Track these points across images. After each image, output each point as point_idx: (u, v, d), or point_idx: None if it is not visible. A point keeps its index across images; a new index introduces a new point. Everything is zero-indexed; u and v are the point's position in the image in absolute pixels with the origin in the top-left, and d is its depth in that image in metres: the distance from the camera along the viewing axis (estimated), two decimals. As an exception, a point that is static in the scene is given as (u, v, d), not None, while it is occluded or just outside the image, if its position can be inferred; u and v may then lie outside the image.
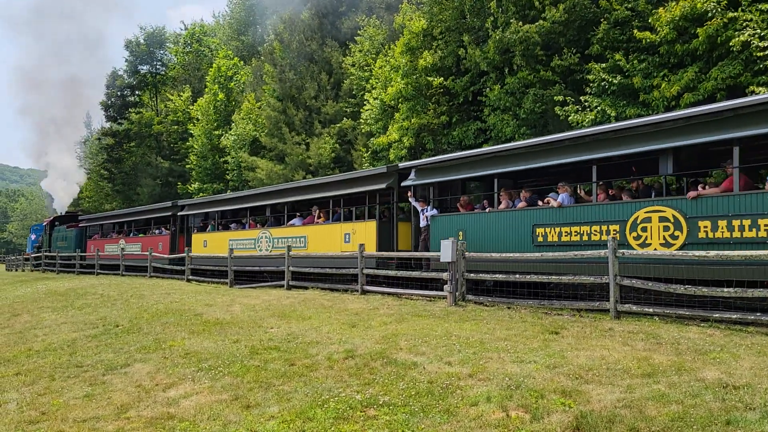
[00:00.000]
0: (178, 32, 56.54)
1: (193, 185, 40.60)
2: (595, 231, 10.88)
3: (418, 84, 21.71)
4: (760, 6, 13.58)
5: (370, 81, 26.76)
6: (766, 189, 9.02)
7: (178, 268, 21.73)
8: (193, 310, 12.50)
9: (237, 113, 37.19)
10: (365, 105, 26.36)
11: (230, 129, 36.97)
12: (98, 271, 28.31)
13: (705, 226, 9.42)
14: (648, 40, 15.07)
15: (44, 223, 42.57)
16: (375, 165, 24.26)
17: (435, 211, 14.64)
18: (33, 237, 44.53)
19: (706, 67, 14.45)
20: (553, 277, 10.54)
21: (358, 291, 14.24)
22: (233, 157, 35.80)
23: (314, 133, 30.49)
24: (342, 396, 5.99)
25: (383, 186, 15.48)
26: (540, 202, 12.23)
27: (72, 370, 8.05)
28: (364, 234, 15.96)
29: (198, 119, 41.78)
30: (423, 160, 15.69)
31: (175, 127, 47.66)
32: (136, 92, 54.96)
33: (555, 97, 16.90)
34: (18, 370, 8.30)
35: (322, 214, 18.27)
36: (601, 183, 11.40)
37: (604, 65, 16.06)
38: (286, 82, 32.23)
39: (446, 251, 11.57)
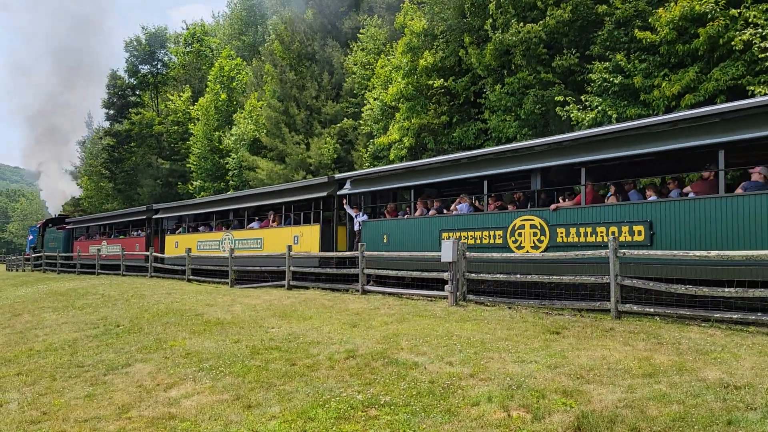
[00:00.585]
0: (178, 32, 56.59)
1: (193, 185, 40.61)
2: (486, 235, 13.09)
3: (419, 84, 21.71)
4: (761, 6, 13.56)
5: (372, 80, 26.76)
6: (606, 203, 11.37)
7: (157, 265, 24.11)
8: (193, 310, 12.50)
9: (239, 112, 37.21)
10: (366, 104, 26.36)
11: (231, 129, 36.96)
12: (99, 271, 28.45)
13: (561, 232, 11.64)
14: (648, 40, 15.06)
15: (38, 225, 44.58)
16: (375, 165, 24.28)
17: (365, 217, 16.71)
18: (30, 238, 46.30)
19: (706, 67, 14.44)
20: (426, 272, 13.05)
21: (359, 291, 14.25)
22: (234, 158, 35.81)
23: (315, 134, 30.50)
24: (343, 396, 5.99)
25: (324, 194, 17.49)
26: (445, 211, 14.60)
27: (73, 370, 8.05)
28: (309, 237, 17.87)
29: (198, 119, 41.78)
30: (357, 171, 18.01)
31: (176, 127, 47.67)
32: (137, 92, 54.97)
33: (556, 98, 16.90)
34: (19, 370, 8.31)
35: (276, 219, 20.06)
36: (492, 195, 13.57)
37: (606, 65, 16.06)
38: (286, 83, 32.24)
39: (447, 251, 11.57)
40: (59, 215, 44.57)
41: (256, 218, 21.59)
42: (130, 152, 50.71)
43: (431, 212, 14.72)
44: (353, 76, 30.19)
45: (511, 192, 14.22)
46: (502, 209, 13.27)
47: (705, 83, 14.05)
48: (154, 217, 27.78)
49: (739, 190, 9.52)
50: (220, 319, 11.10)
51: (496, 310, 10.52)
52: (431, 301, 12.27)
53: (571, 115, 16.08)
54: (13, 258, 52.37)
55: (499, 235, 12.71)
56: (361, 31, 30.51)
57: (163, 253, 25.11)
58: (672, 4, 14.65)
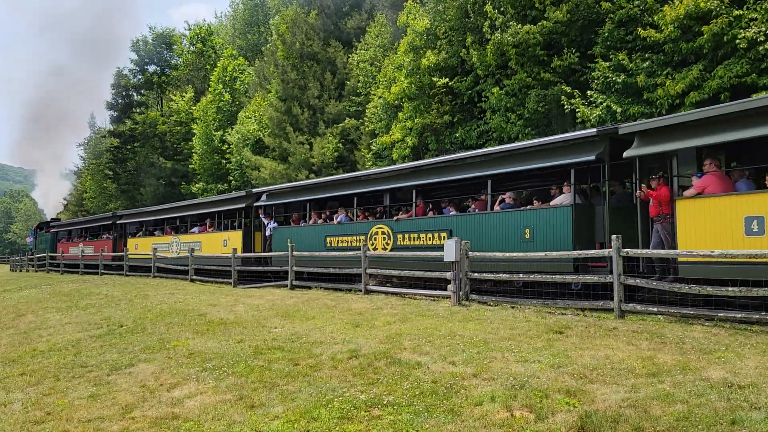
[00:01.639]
0: (181, 32, 56.63)
1: (196, 185, 40.66)
2: (354, 239, 16.78)
3: (422, 83, 21.69)
4: (765, 5, 13.52)
5: (377, 76, 26.71)
6: (427, 216, 15.40)
7: (117, 263, 28.74)
8: (197, 310, 12.51)
9: (243, 111, 37.24)
10: (371, 101, 26.30)
11: (234, 127, 36.95)
12: (102, 271, 28.57)
13: (401, 237, 15.47)
14: (652, 39, 15.03)
15: (33, 228, 49.31)
16: (378, 165, 24.32)
17: (275, 224, 20.49)
18: (29, 240, 50.09)
19: (710, 65, 14.41)
20: (338, 269, 15.76)
21: (361, 291, 14.25)
22: (236, 158, 35.84)
23: (318, 133, 30.51)
24: (346, 396, 5.99)
25: (244, 205, 21.32)
26: (329, 221, 18.60)
27: (77, 370, 8.07)
28: (235, 240, 21.68)
29: (200, 119, 41.82)
30: (271, 186, 22.60)
31: (179, 127, 47.73)
32: (141, 92, 55.05)
33: (564, 88, 16.85)
34: (23, 371, 8.33)
35: (212, 225, 24.14)
36: (361, 208, 17.74)
37: (608, 64, 16.03)
38: (288, 83, 32.26)
39: (450, 251, 11.57)
40: (52, 219, 48.25)
41: (198, 224, 25.38)
42: (134, 152, 50.79)
43: (320, 221, 18.98)
44: (356, 75, 30.17)
45: (373, 206, 18.02)
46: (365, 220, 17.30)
47: (709, 81, 14.01)
48: (118, 222, 31.95)
49: (497, 208, 13.54)
50: (223, 319, 11.11)
51: (498, 309, 10.51)
52: (434, 300, 12.26)
53: (578, 111, 16.01)
54: (16, 258, 52.52)
55: (362, 239, 16.39)
56: (367, 29, 30.49)
57: (123, 253, 28.45)
58: (677, 2, 14.61)
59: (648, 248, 10.57)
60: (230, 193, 24.64)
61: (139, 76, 54.44)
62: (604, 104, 15.49)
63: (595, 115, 15.47)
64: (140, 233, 30.32)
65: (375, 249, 15.80)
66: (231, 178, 37.36)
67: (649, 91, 15.23)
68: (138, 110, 51.96)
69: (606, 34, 16.33)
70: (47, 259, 37.11)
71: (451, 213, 14.88)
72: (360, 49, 30.45)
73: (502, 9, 18.59)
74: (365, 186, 17.00)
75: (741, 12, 13.61)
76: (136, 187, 50.28)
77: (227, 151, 37.34)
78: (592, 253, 10.34)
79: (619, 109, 15.21)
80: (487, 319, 9.46)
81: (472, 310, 10.58)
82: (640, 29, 15.39)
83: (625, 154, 10.69)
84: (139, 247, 28.50)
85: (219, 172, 39.07)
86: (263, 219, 20.88)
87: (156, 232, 29.04)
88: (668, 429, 4.60)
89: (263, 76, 37.05)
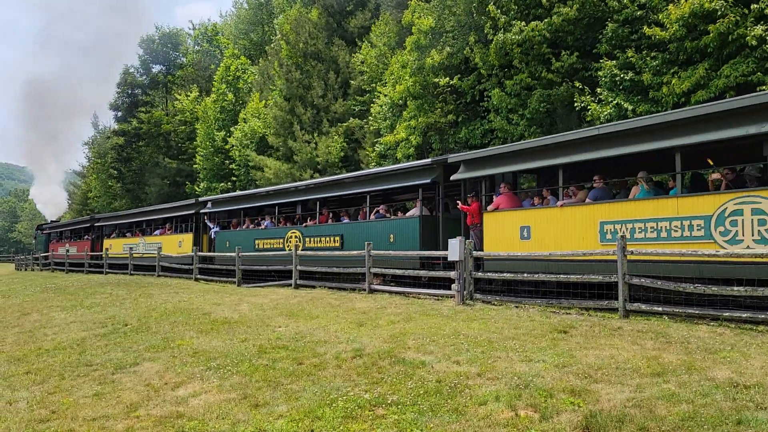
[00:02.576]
0: (187, 31, 56.71)
1: (200, 185, 40.72)
2: (275, 242, 20.31)
3: (426, 82, 21.66)
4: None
5: (385, 74, 26.64)
6: (328, 223, 18.60)
7: (95, 262, 32.46)
8: (201, 309, 12.53)
9: (242, 113, 37.27)
10: (378, 98, 26.24)
11: (236, 127, 36.92)
12: (107, 270, 28.86)
13: (309, 240, 18.78)
14: (657, 37, 14.98)
15: (35, 228, 53.80)
16: (382, 164, 24.33)
17: (218, 228, 24.12)
18: (35, 240, 53.52)
19: (716, 64, 14.35)
20: (267, 266, 18.89)
21: (365, 290, 14.25)
22: (239, 157, 35.86)
23: (322, 132, 30.50)
24: (350, 395, 5.98)
25: (193, 212, 25.53)
26: (259, 226, 21.80)
27: (81, 368, 8.09)
28: (188, 242, 25.35)
29: (203, 119, 41.87)
30: (215, 196, 26.08)
31: (183, 127, 47.78)
32: (147, 91, 55.12)
33: (576, 84, 16.78)
34: (28, 369, 8.35)
35: (170, 228, 27.92)
36: (282, 215, 21.18)
37: (614, 62, 15.95)
38: (292, 82, 32.25)
39: (454, 250, 11.56)
40: (52, 221, 51.68)
41: (160, 227, 29.22)
42: (138, 152, 50.87)
43: (251, 226, 22.34)
44: (360, 75, 30.13)
45: (293, 214, 21.14)
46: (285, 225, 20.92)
47: (715, 80, 13.96)
48: (95, 224, 36.00)
49: (372, 217, 16.90)
50: (228, 318, 11.13)
51: (503, 309, 10.50)
52: (438, 300, 12.26)
53: (589, 108, 15.89)
54: (21, 257, 52.73)
55: (280, 241, 19.98)
56: (372, 28, 30.45)
57: (99, 253, 32.76)
58: (682, 1, 14.56)
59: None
60: (183, 201, 28.72)
61: (145, 76, 54.53)
62: (614, 102, 15.41)
63: (606, 113, 15.37)
64: (114, 234, 33.87)
65: (288, 249, 18.79)
66: (234, 178, 37.38)
67: (655, 89, 15.18)
68: (143, 109, 52.02)
69: (610, 34, 16.27)
70: (40, 259, 40.70)
71: (344, 221, 18.45)
72: (364, 48, 30.39)
73: (504, 8, 18.54)
74: (285, 197, 20.54)
75: (749, 9, 13.54)
76: (140, 187, 50.38)
77: (230, 151, 37.35)
78: (435, 253, 13.68)
79: (629, 107, 15.12)
80: (491, 318, 9.45)
81: (476, 309, 10.57)
82: (645, 28, 15.34)
83: (451, 177, 14.01)
84: (113, 246, 32.12)
85: (222, 172, 39.10)
86: (209, 224, 24.76)
87: (127, 234, 32.53)
88: (673, 429, 4.58)
89: (267, 76, 37.05)
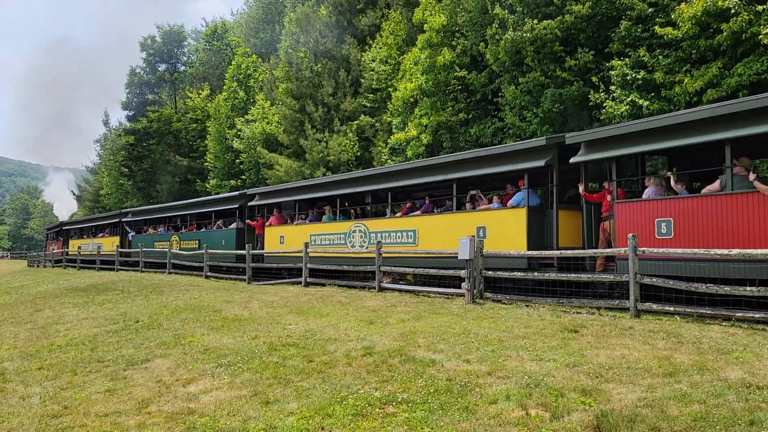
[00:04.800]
0: (198, 29, 56.89)
1: (210, 183, 40.87)
2: (165, 244, 26.97)
3: (437, 80, 21.61)
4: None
5: (401, 67, 26.55)
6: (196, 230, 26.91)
7: (67, 257, 38.80)
8: (211, 307, 12.59)
9: (246, 115, 37.39)
10: (395, 92, 26.18)
11: (245, 125, 36.95)
12: (118, 267, 29.25)
13: (183, 243, 26.26)
14: (670, 36, 14.87)
15: (45, 228, 65.44)
16: (394, 161, 24.33)
17: (134, 233, 32.68)
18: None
19: (729, 63, 14.24)
20: (189, 262, 24.30)
21: (375, 288, 14.26)
22: (247, 156, 35.94)
23: (333, 130, 30.50)
24: (360, 393, 5.99)
25: (117, 220, 34.95)
26: (155, 231, 30.62)
27: (93, 365, 8.14)
28: (116, 243, 33.57)
29: (214, 117, 42.01)
30: (136, 208, 38.10)
31: (194, 125, 47.94)
32: (155, 90, 55.35)
33: (593, 79, 16.66)
34: (41, 365, 8.41)
35: (108, 232, 37.02)
36: (192, 224, 27.66)
37: (626, 61, 15.85)
38: (303, 80, 32.27)
39: (464, 249, 11.54)
40: (63, 221, 57.24)
41: (103, 231, 38.33)
42: (149, 150, 51.11)
43: (152, 231, 30.80)
44: (371, 72, 30.08)
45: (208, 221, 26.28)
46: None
47: (728, 78, 13.85)
48: (63, 228, 46.21)
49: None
50: (238, 316, 11.17)
51: (513, 308, 10.48)
52: (448, 298, 12.25)
53: (605, 105, 15.75)
54: (34, 254, 53.14)
55: (196, 243, 25.57)
56: (383, 26, 30.39)
57: (67, 251, 40.02)
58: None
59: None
60: (109, 212, 40.95)
61: (151, 75, 54.75)
62: (629, 99, 15.28)
63: (621, 110, 15.23)
64: (75, 236, 43.04)
65: (172, 248, 25.71)
66: (245, 176, 37.48)
67: (667, 88, 15.08)
68: (152, 108, 52.24)
69: (623, 33, 16.16)
70: (43, 256, 46.78)
71: (217, 228, 24.97)
72: (375, 46, 30.34)
73: (513, 8, 18.45)
74: (171, 212, 29.45)
75: (763, 7, 13.41)
76: (151, 185, 50.63)
77: (240, 153, 37.44)
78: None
79: (645, 104, 14.98)
80: (502, 317, 9.43)
81: (486, 308, 10.56)
82: (657, 27, 15.23)
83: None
84: (74, 246, 40.76)
85: (233, 170, 39.23)
86: (128, 229, 33.50)
87: (84, 236, 41.11)
88: (685, 429, 4.56)
89: (275, 74, 37.09)
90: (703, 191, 10.14)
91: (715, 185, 9.85)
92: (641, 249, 9.53)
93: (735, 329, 7.86)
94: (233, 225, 23.43)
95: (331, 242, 18.08)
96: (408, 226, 15.65)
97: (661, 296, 10.12)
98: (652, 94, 15.41)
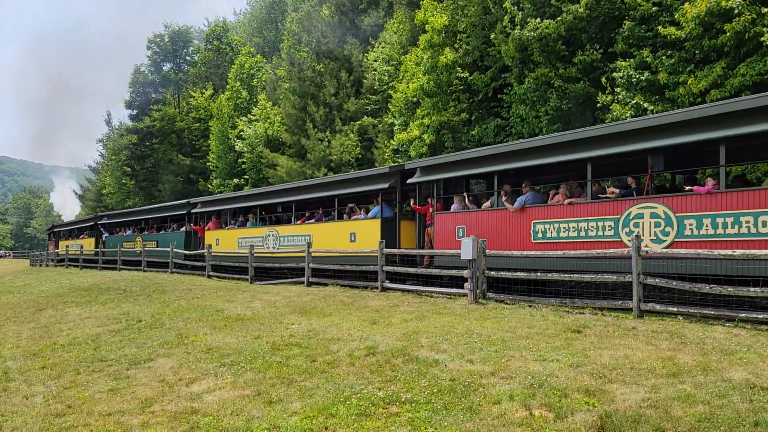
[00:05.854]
0: (201, 28, 56.90)
1: (213, 182, 40.90)
2: (132, 244, 31.03)
3: (440, 80, 21.60)
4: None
5: (401, 68, 26.53)
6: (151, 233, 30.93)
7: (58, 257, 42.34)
8: (214, 306, 12.59)
9: (251, 113, 37.39)
10: (396, 93, 26.16)
11: (247, 125, 36.97)
12: (120, 267, 29.26)
13: (146, 244, 29.58)
14: (673, 36, 14.85)
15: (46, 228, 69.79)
16: (397, 162, 24.33)
17: (107, 234, 35.94)
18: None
19: (732, 63, 14.22)
20: (152, 258, 27.34)
21: (378, 288, 14.26)
22: (249, 155, 35.95)
23: (335, 131, 30.50)
24: (364, 393, 5.99)
25: (93, 223, 39.02)
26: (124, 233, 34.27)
27: (96, 364, 8.15)
28: (90, 243, 38.19)
29: (217, 117, 42.03)
30: (111, 212, 42.45)
31: (197, 124, 47.98)
32: (159, 89, 55.39)
33: (601, 79, 16.62)
34: (44, 364, 8.43)
35: (87, 234, 40.44)
36: (153, 227, 31.62)
37: (631, 62, 15.83)
38: (305, 80, 32.28)
39: (467, 249, 11.53)
40: (53, 224, 60.73)
41: (82, 233, 41.63)
42: (152, 149, 51.15)
43: (122, 233, 34.07)
44: (374, 72, 30.08)
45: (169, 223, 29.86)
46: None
47: (731, 79, 13.83)
48: (54, 230, 51.01)
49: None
50: (240, 315, 11.18)
51: (516, 308, 10.47)
52: (451, 298, 12.24)
53: (612, 108, 15.72)
54: (36, 253, 53.23)
55: (155, 243, 28.28)
56: (385, 25, 30.38)
57: (57, 251, 44.33)
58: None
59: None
60: (86, 216, 47.25)
61: (156, 74, 54.81)
62: (633, 101, 15.27)
63: (627, 114, 15.22)
64: (64, 237, 46.12)
65: (134, 248, 29.90)
66: (247, 176, 37.50)
67: (671, 89, 15.06)
68: (156, 107, 52.27)
69: (626, 33, 16.13)
70: (46, 256, 49.04)
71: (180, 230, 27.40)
72: (377, 47, 30.33)
73: (520, 5, 18.44)
74: (137, 216, 33.33)
75: (765, 9, 13.40)
76: (154, 184, 50.67)
77: (241, 155, 37.46)
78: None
79: (650, 107, 14.97)
80: (505, 317, 9.42)
81: (489, 308, 10.55)
82: (660, 27, 15.22)
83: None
84: (63, 246, 43.89)
85: (235, 169, 39.25)
86: (102, 230, 36.73)
87: (70, 237, 44.32)
88: (689, 430, 4.55)
89: (277, 76, 37.10)
90: (482, 207, 14.02)
91: (488, 204, 13.89)
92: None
93: (738, 330, 7.84)
94: (183, 228, 27.26)
95: (254, 244, 21.25)
96: (306, 231, 19.48)
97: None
98: (656, 96, 15.39)
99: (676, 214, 10.02)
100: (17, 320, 13.06)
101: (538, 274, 11.16)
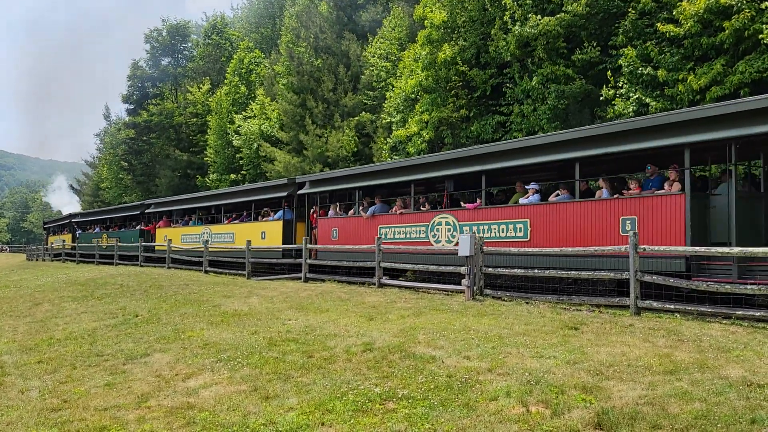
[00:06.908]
0: (198, 23, 56.67)
1: (211, 177, 40.82)
2: (103, 240, 35.06)
3: (438, 76, 21.54)
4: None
5: (399, 64, 26.46)
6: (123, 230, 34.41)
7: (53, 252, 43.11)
8: (211, 301, 12.58)
9: (249, 108, 37.30)
10: (392, 91, 26.09)
11: (245, 121, 36.87)
12: (117, 261, 29.23)
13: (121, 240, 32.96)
14: (672, 33, 14.82)
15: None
16: (395, 158, 24.29)
17: (81, 231, 40.20)
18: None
19: (731, 60, 14.20)
20: (103, 252, 32.40)
21: (375, 284, 14.25)
22: (246, 151, 35.89)
23: (334, 126, 30.44)
24: (361, 389, 5.98)
25: (68, 221, 43.52)
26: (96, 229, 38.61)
27: (93, 359, 8.13)
28: (69, 240, 40.68)
29: (215, 111, 41.91)
30: (83, 211, 52.92)
31: (195, 119, 47.85)
32: (157, 83, 55.18)
33: (607, 73, 16.57)
34: (40, 359, 8.41)
35: (67, 230, 43.69)
36: (114, 226, 35.81)
37: (635, 51, 15.73)
38: (303, 75, 32.20)
39: (464, 245, 11.53)
40: (44, 221, 64.88)
41: (62, 231, 45.45)
42: (149, 144, 51.00)
43: (97, 230, 37.01)
44: (371, 68, 30.00)
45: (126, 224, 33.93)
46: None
47: (730, 76, 13.81)
48: (45, 226, 55.35)
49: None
50: (238, 311, 11.16)
51: (513, 305, 10.47)
52: (448, 295, 12.24)
53: (614, 103, 15.66)
54: (33, 248, 53.12)
55: (116, 240, 31.36)
56: (384, 21, 30.31)
57: (46, 247, 46.69)
58: (696, -4, 14.39)
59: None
60: (61, 215, 53.33)
61: (154, 68, 54.60)
62: (635, 96, 15.23)
63: (629, 110, 15.17)
64: (52, 233, 49.20)
65: (100, 244, 33.36)
66: (245, 171, 37.43)
67: (670, 86, 15.03)
68: (153, 102, 52.07)
69: (628, 26, 16.07)
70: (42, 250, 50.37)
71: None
72: (375, 42, 30.25)
73: (519, 2, 18.38)
74: (102, 215, 37.27)
75: (766, 5, 13.36)
76: (151, 179, 50.52)
77: (239, 150, 37.38)
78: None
79: (652, 103, 14.92)
80: (502, 314, 9.42)
81: (486, 305, 10.55)
82: (658, 24, 15.19)
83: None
84: (51, 241, 47.01)
85: (233, 165, 39.16)
86: (76, 228, 40.75)
87: (56, 233, 47.40)
88: (687, 427, 4.55)
89: (275, 72, 37.02)
90: (348, 214, 17.85)
91: (351, 211, 17.79)
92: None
93: (735, 327, 7.85)
94: (138, 226, 31.57)
95: (193, 240, 25.38)
96: (230, 230, 23.50)
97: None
98: (657, 93, 15.36)
99: (459, 222, 14.05)
100: (13, 314, 13.03)
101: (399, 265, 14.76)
